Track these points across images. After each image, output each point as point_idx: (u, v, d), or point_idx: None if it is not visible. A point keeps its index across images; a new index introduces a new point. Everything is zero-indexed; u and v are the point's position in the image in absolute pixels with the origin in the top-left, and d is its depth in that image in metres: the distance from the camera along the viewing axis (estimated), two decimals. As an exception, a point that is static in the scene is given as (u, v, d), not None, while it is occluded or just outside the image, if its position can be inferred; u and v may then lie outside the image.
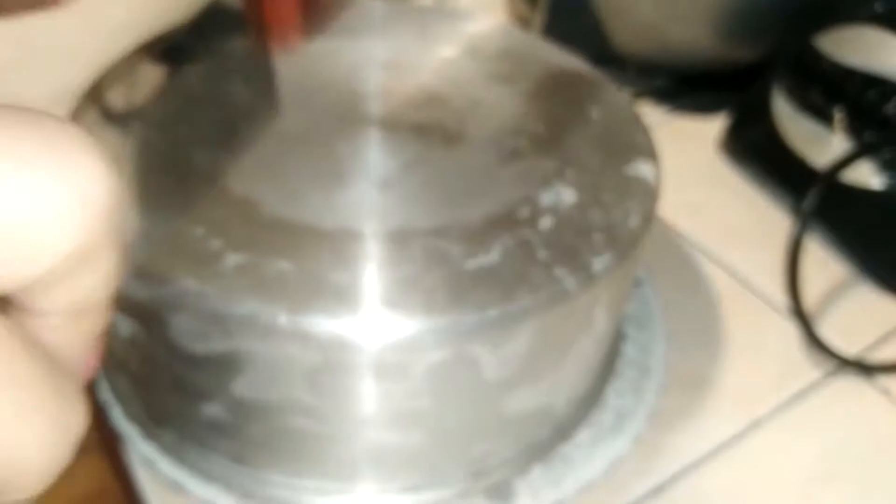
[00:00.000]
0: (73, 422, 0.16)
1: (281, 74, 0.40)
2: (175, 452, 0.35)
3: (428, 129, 0.37)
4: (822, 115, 0.52)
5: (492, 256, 0.31)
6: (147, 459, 0.36)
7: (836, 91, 0.52)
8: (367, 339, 0.29)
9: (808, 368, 0.45)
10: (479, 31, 0.45)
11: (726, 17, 0.57)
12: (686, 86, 0.60)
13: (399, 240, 0.31)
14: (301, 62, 0.41)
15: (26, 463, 0.16)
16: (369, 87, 0.39)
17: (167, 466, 0.35)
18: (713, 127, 0.58)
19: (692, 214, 0.52)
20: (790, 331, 0.46)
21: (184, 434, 0.35)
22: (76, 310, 0.17)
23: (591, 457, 0.38)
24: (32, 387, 0.15)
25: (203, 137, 0.35)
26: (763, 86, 0.55)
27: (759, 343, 0.46)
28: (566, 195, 0.34)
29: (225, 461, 0.34)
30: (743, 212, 0.54)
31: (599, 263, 0.31)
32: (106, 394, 0.37)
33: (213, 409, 0.32)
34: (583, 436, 0.38)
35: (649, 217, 0.34)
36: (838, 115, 0.52)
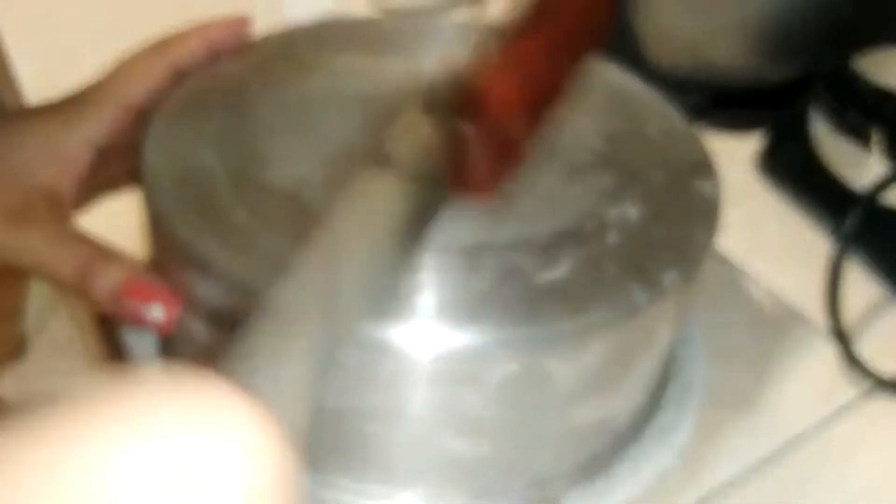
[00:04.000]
0: None
1: (338, 92, 0.40)
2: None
3: None
4: (859, 136, 0.53)
5: (562, 271, 0.31)
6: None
7: (874, 112, 0.52)
8: (442, 350, 0.29)
9: (846, 387, 0.45)
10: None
11: (764, 35, 0.57)
12: (722, 103, 0.61)
13: (471, 254, 0.32)
14: (356, 79, 0.41)
15: None
16: None
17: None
18: (749, 145, 0.58)
19: (730, 232, 0.52)
20: (829, 350, 0.46)
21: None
22: None
23: (638, 469, 0.38)
24: None
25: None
26: (800, 105, 0.55)
27: (798, 361, 0.46)
28: (631, 211, 0.34)
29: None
30: (780, 230, 0.54)
31: (668, 279, 0.32)
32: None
33: (283, 415, 0.32)
34: (630, 449, 0.39)
35: (712, 233, 0.35)
36: (875, 137, 0.52)
